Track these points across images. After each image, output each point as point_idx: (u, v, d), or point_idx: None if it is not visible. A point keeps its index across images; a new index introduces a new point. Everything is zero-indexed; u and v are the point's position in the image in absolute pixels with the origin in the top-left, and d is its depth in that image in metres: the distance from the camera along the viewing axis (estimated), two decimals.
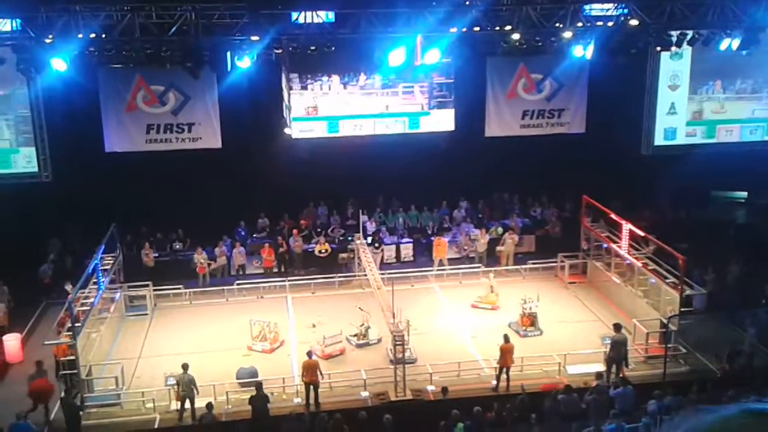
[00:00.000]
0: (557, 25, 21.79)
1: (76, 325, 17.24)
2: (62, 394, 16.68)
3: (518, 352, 18.06)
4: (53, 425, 16.63)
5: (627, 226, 21.43)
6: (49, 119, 23.69)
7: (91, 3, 19.67)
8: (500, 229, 26.20)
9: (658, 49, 23.65)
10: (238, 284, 23.38)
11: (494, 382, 17.78)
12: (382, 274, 21.45)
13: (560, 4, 21.49)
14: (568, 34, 22.00)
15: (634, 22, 21.86)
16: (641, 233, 21.26)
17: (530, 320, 20.44)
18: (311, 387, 17.14)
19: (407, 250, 26.06)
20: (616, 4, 22.29)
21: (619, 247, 21.86)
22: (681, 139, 27.50)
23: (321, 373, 17.30)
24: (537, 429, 15.37)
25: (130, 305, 22.58)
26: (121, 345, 20.57)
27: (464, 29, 21.00)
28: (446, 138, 24.78)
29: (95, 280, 19.98)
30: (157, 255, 24.68)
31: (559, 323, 20.95)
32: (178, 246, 25.40)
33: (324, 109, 23.65)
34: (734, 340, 19.39)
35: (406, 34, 20.65)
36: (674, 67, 26.72)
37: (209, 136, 24.57)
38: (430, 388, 17.67)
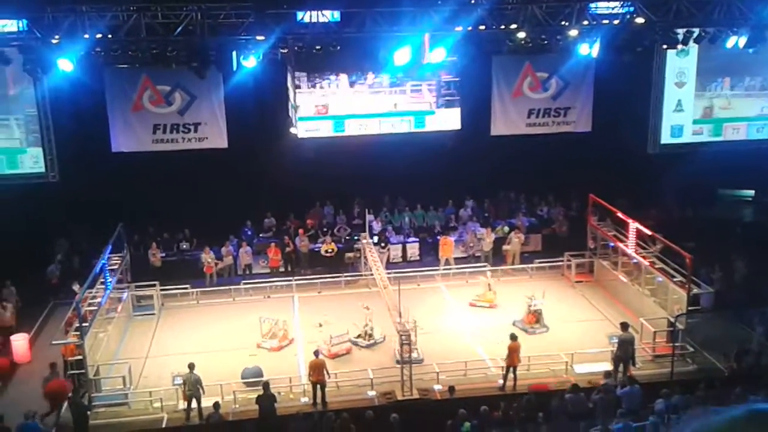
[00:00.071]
0: (563, 23, 21.73)
1: (84, 325, 17.27)
2: (70, 394, 16.74)
3: (526, 350, 18.06)
4: (61, 425, 16.67)
5: (634, 225, 21.39)
6: (56, 120, 23.76)
7: (97, 3, 19.70)
8: (506, 228, 26.18)
9: (665, 47, 23.59)
10: (244, 284, 23.40)
11: (501, 381, 17.78)
12: (389, 273, 21.43)
13: (566, 3, 21.42)
14: (573, 33, 21.95)
15: (640, 20, 21.80)
16: (648, 232, 21.21)
17: (536, 317, 20.43)
18: (318, 386, 17.16)
19: (413, 250, 26.04)
20: (622, 2, 22.20)
21: (626, 245, 21.81)
22: (688, 137, 27.43)
23: (328, 373, 17.31)
24: (544, 428, 15.35)
25: (137, 305, 22.64)
26: (128, 345, 20.63)
27: (470, 28, 20.96)
28: (452, 137, 24.76)
29: (102, 280, 20.01)
30: (164, 255, 24.78)
31: (566, 322, 20.92)
32: (184, 246, 25.46)
33: (333, 107, 23.70)
34: (742, 339, 19.34)
35: (411, 33, 20.63)
36: (681, 65, 26.64)
37: (215, 136, 24.62)
38: (437, 387, 17.67)
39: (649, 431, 14.72)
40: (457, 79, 24.13)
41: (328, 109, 23.62)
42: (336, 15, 21.03)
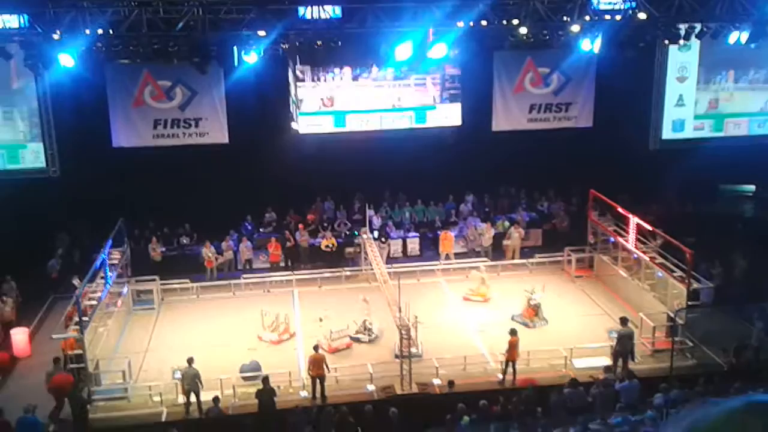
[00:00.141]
0: (565, 18, 21.68)
1: (84, 319, 17.31)
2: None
3: (525, 345, 18.07)
4: (61, 419, 16.69)
5: (634, 220, 21.39)
6: (57, 115, 23.80)
7: None
8: (507, 223, 26.18)
9: (667, 42, 23.55)
10: (244, 278, 23.44)
11: (500, 376, 17.81)
12: (389, 268, 21.47)
13: None
14: (575, 28, 21.89)
15: (642, 16, 21.73)
16: (648, 227, 21.21)
17: (534, 311, 20.46)
18: (318, 380, 17.19)
19: (414, 245, 26.05)
20: None
21: (626, 240, 21.81)
22: (689, 132, 27.39)
23: (327, 367, 17.34)
24: (543, 422, 15.36)
25: (137, 299, 22.68)
26: (128, 339, 20.67)
27: (471, 23, 20.95)
28: (453, 132, 24.75)
29: (103, 275, 20.04)
30: (164, 249, 24.82)
31: (566, 317, 20.94)
32: (185, 240, 25.50)
33: (338, 101, 23.69)
34: (741, 334, 19.32)
35: (413, 28, 20.62)
36: (683, 59, 26.59)
37: (216, 131, 24.63)
38: (436, 381, 17.71)
39: (647, 425, 14.73)
40: (459, 72, 24.14)
41: (334, 101, 23.61)
42: (337, 11, 21.04)
